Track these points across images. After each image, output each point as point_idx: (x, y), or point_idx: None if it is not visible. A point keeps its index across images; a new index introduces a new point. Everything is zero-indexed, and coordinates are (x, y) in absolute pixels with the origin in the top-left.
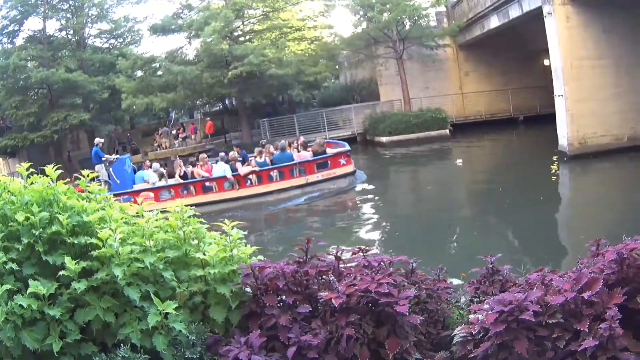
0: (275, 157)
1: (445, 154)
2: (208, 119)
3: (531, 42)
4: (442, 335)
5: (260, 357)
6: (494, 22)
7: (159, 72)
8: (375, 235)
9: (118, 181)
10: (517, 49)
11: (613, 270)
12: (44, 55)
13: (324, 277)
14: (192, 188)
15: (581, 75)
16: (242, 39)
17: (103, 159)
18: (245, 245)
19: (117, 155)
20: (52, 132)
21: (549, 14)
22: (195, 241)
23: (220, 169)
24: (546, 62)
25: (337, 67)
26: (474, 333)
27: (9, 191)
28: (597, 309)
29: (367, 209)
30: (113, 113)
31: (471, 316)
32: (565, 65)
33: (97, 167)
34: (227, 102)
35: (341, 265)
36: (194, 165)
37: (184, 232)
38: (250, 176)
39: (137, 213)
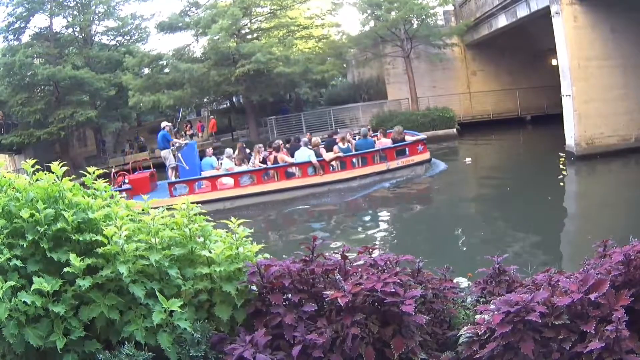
0: (357, 143)
1: (452, 153)
2: (212, 117)
3: (539, 42)
4: (448, 335)
5: (265, 355)
6: (501, 21)
7: (166, 70)
8: (380, 233)
9: (187, 167)
10: (525, 48)
11: (620, 271)
12: (50, 53)
13: (330, 275)
14: (273, 173)
15: (588, 75)
16: (249, 36)
17: (172, 144)
18: (252, 243)
19: (187, 140)
20: (59, 129)
21: (556, 13)
22: (201, 239)
23: (305, 154)
24: (554, 62)
25: (344, 65)
26: (479, 333)
27: (13, 188)
28: (603, 310)
29: (374, 209)
30: (120, 110)
31: (477, 316)
32: (572, 65)
33: (163, 152)
34: (234, 99)
35: (347, 264)
36: (277, 150)
37: (190, 229)
38: (333, 162)
39: (142, 210)
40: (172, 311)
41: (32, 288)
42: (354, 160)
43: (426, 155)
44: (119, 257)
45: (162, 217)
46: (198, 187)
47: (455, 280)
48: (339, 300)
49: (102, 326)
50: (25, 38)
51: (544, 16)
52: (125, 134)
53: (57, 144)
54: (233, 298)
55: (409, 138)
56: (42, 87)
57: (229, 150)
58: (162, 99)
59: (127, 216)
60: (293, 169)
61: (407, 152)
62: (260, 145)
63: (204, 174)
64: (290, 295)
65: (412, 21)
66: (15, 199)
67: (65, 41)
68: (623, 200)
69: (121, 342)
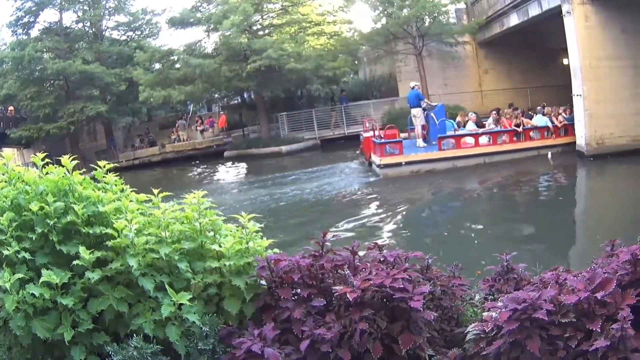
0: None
1: None
2: (222, 112)
3: (551, 41)
4: (456, 332)
5: (274, 349)
6: (513, 20)
7: (177, 65)
8: (389, 229)
9: (438, 127)
10: (537, 47)
11: (627, 271)
12: (60, 47)
13: (339, 271)
14: (522, 135)
15: (599, 75)
16: (261, 32)
17: (423, 103)
18: (262, 238)
19: (436, 103)
20: (69, 123)
21: (567, 13)
22: (212, 233)
23: (542, 120)
24: (565, 61)
25: (356, 62)
26: (487, 330)
27: (23, 181)
28: (609, 309)
29: (383, 204)
30: (130, 105)
31: (485, 314)
32: (583, 64)
33: (414, 110)
34: (245, 95)
35: (357, 260)
36: (523, 115)
37: (200, 223)
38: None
39: (153, 204)
40: (181, 304)
41: (40, 280)
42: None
43: None
44: (129, 250)
45: (173, 211)
46: (446, 145)
47: (463, 278)
48: (348, 296)
49: (110, 319)
50: (34, 32)
51: (555, 15)
52: (136, 129)
53: (67, 138)
54: (242, 292)
55: None
56: (52, 81)
57: (471, 114)
58: (173, 94)
59: (138, 210)
60: (532, 132)
61: None
62: (519, 110)
63: (451, 133)
64: (299, 290)
65: (424, 19)
66: (25, 192)
67: (76, 36)
68: (632, 200)
69: (129, 334)
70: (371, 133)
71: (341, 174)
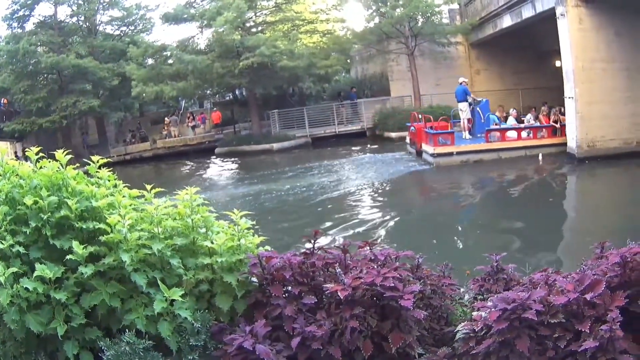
0: None
1: None
2: (215, 109)
3: (544, 43)
4: (445, 331)
5: (265, 346)
6: (506, 21)
7: (170, 61)
8: (380, 229)
9: (483, 120)
10: (530, 49)
11: (616, 273)
12: (54, 41)
13: (330, 269)
14: (558, 131)
15: (592, 77)
16: (254, 30)
17: (470, 98)
18: (253, 235)
19: (481, 99)
20: (61, 117)
21: (561, 15)
22: (204, 229)
23: None
24: (558, 63)
25: (348, 61)
26: (476, 330)
27: (17, 175)
28: (598, 310)
29: (377, 203)
30: (123, 100)
31: (474, 313)
32: (576, 67)
33: (461, 104)
34: (237, 92)
35: (348, 258)
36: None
37: (192, 220)
38: None
39: (145, 199)
40: (173, 300)
41: (34, 275)
42: None
43: None
44: (122, 246)
45: (165, 207)
46: (492, 138)
47: (453, 278)
48: (339, 294)
49: (103, 314)
50: (29, 26)
51: (549, 17)
52: (128, 124)
53: (59, 133)
54: (234, 289)
55: None
56: (46, 75)
57: (512, 110)
58: (165, 90)
59: (130, 205)
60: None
61: None
62: (556, 108)
63: (492, 128)
64: (290, 287)
65: (417, 19)
66: (19, 185)
67: (70, 30)
68: (622, 203)
69: (122, 330)
70: (419, 125)
71: (393, 163)
